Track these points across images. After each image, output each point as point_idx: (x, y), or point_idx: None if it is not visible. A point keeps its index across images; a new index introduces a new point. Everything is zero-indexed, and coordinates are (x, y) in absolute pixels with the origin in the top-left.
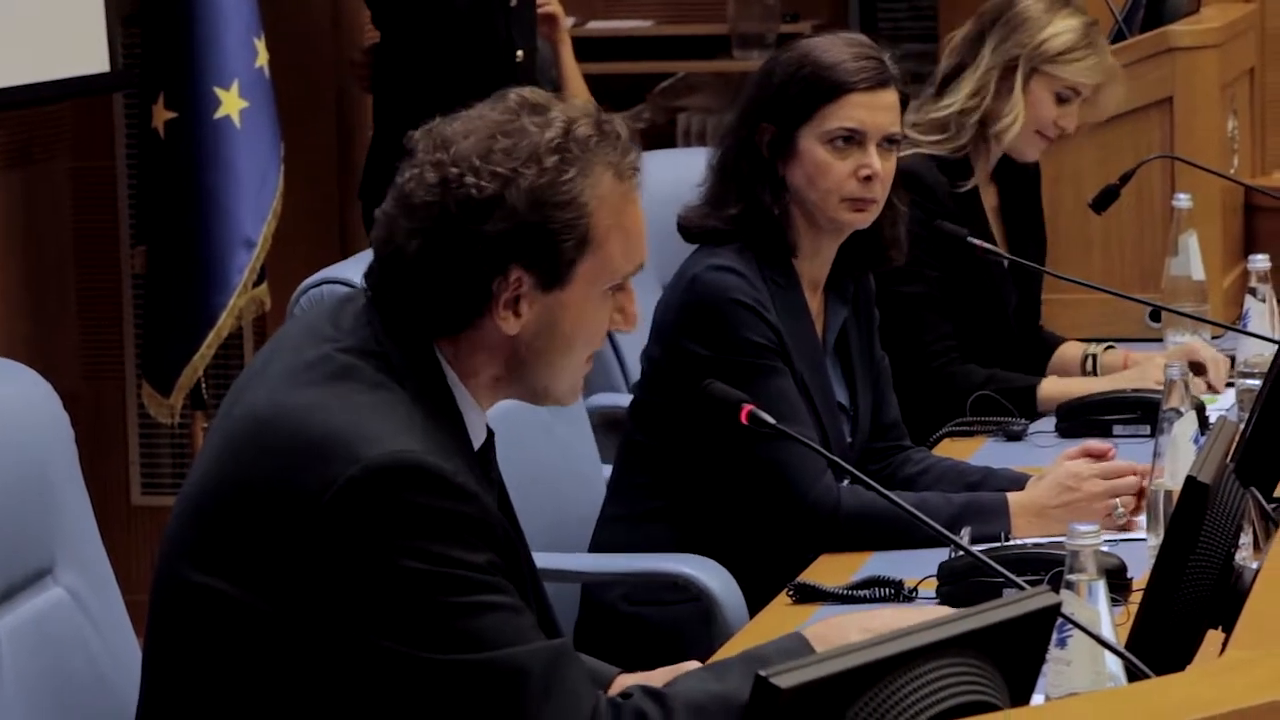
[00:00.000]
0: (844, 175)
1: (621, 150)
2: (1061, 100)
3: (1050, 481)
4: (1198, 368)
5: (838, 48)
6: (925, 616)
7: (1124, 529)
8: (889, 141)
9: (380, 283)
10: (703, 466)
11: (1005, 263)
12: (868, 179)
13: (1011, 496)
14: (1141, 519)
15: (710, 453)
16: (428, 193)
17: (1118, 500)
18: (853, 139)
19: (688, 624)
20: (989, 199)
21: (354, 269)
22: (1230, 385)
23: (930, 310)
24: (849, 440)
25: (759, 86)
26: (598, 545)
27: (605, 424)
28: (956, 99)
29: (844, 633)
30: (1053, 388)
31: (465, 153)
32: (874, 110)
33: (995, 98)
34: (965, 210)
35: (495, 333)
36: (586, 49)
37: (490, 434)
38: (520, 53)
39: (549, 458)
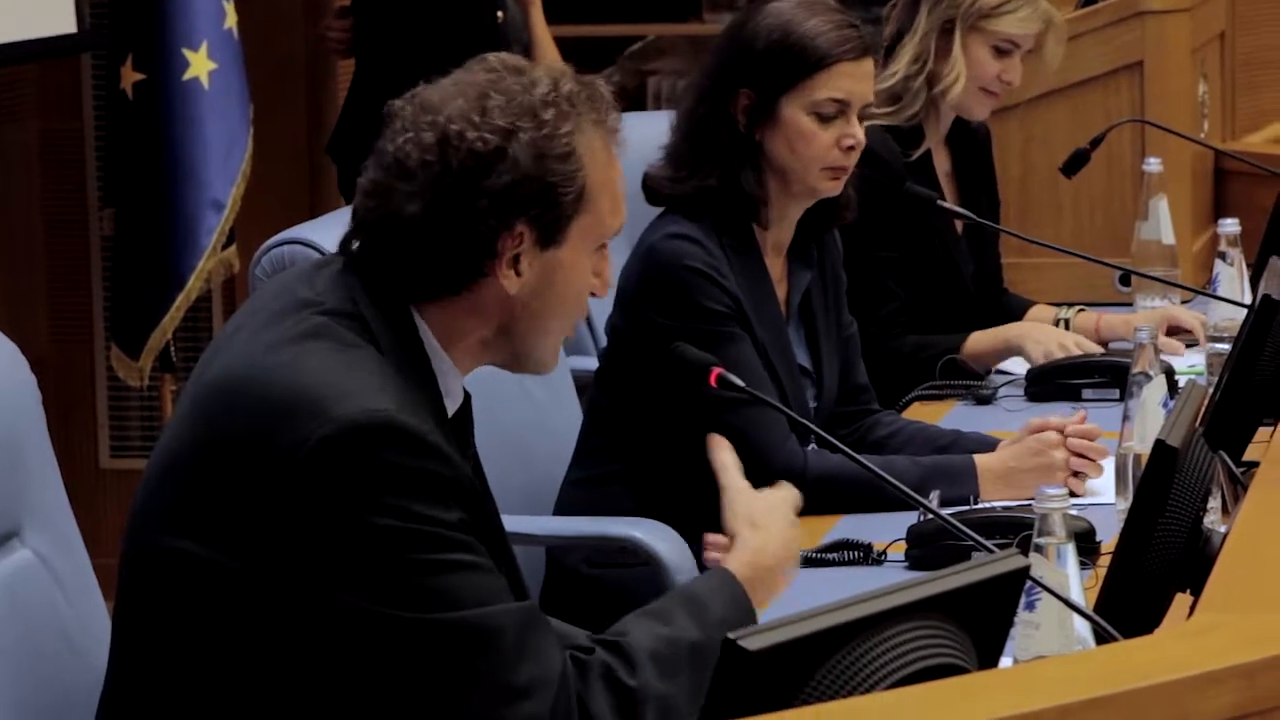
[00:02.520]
0: (828, 144)
1: (606, 108)
2: (1001, 54)
3: (1020, 446)
4: (1175, 330)
5: (817, 16)
6: None
7: (1073, 492)
8: (864, 108)
9: (367, 249)
10: (664, 431)
11: (960, 229)
12: (850, 149)
13: (979, 459)
14: (1091, 483)
15: (672, 418)
16: (426, 152)
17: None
18: (838, 109)
19: (643, 588)
20: (942, 163)
21: (317, 230)
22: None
23: (870, 291)
24: (813, 405)
25: (736, 51)
26: (561, 508)
27: (576, 387)
28: (899, 67)
29: (769, 571)
30: (974, 343)
31: (461, 110)
32: (859, 80)
33: (936, 61)
34: (918, 178)
35: (493, 294)
36: (556, 11)
37: (467, 398)
38: (500, 13)
39: (525, 419)
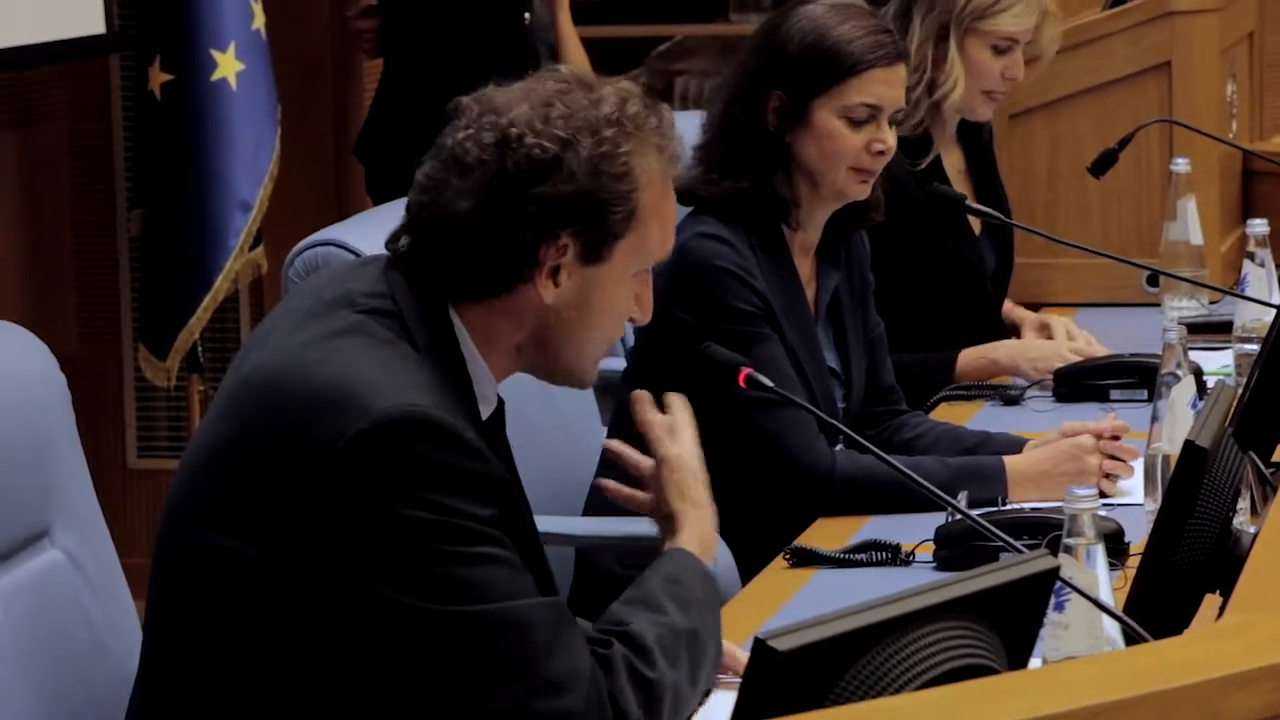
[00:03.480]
0: (857, 148)
1: (668, 133)
2: (1001, 52)
3: (1054, 449)
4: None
5: (850, 21)
6: None
7: (1104, 493)
8: (895, 114)
9: (414, 245)
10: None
11: (979, 227)
12: (879, 153)
13: (1008, 460)
14: (1122, 483)
15: (700, 418)
16: (484, 152)
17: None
18: (869, 113)
19: None
20: (954, 163)
21: (350, 231)
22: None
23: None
24: (841, 406)
25: (769, 53)
26: (590, 509)
27: (601, 387)
28: None
29: (712, 544)
30: (963, 364)
31: (524, 116)
32: (891, 86)
33: (934, 68)
34: (928, 184)
35: (530, 301)
36: (583, 12)
37: (500, 404)
38: (528, 15)
39: (549, 421)
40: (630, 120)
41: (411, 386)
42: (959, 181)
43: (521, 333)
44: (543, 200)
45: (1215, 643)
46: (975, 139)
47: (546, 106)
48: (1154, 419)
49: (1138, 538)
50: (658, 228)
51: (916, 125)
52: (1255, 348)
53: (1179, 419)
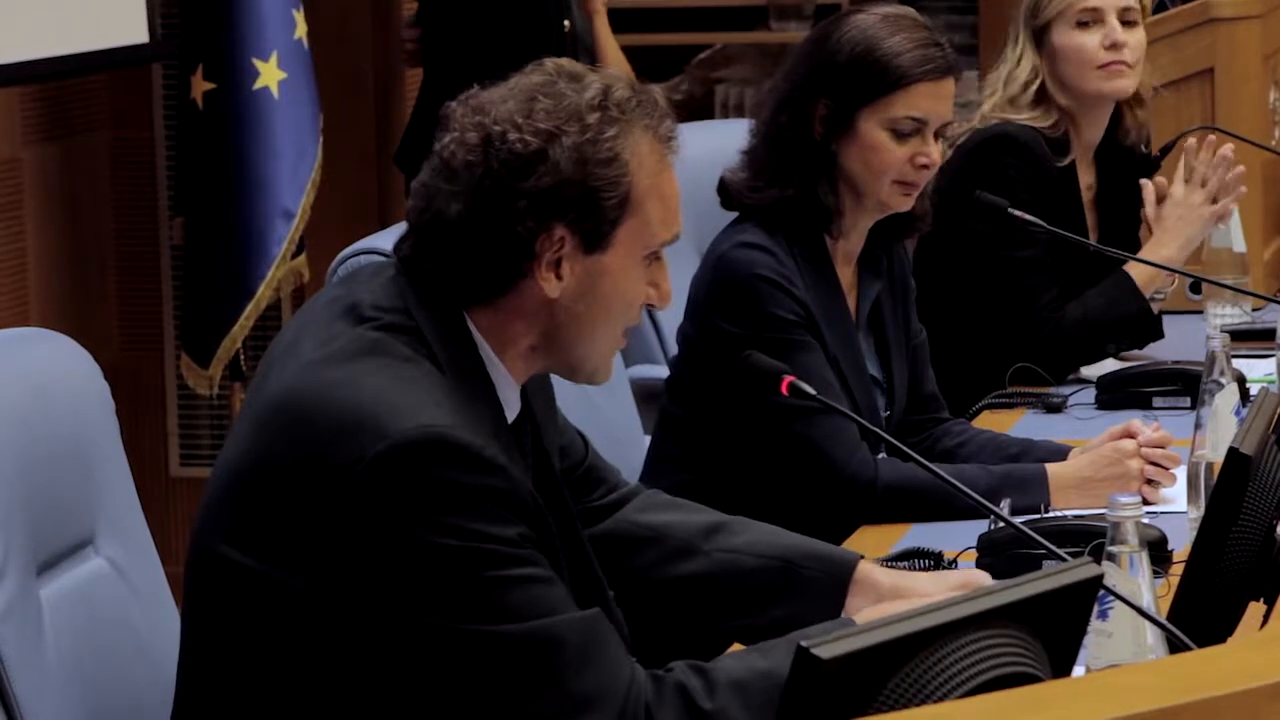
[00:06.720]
0: (901, 160)
1: (659, 115)
2: (1084, 26)
3: (1096, 455)
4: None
5: (902, 33)
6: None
7: (1147, 500)
8: (942, 128)
9: (416, 252)
10: (735, 441)
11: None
12: (923, 167)
13: (1050, 467)
14: (1165, 491)
15: (743, 427)
16: (469, 153)
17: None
18: (915, 127)
19: None
20: (1085, 179)
21: (390, 239)
22: None
23: (1040, 274)
24: (884, 414)
25: (818, 61)
26: None
27: (643, 396)
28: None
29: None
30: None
31: (506, 113)
32: (938, 100)
33: (1063, 60)
34: (1063, 187)
35: (535, 297)
36: (623, 20)
37: (526, 406)
38: (567, 23)
39: (592, 430)
40: (616, 105)
41: (431, 405)
42: (1086, 202)
43: (533, 333)
44: (530, 194)
45: (1259, 651)
46: (1120, 165)
47: (530, 101)
48: (1197, 426)
49: (1181, 545)
50: (658, 208)
51: (1055, 124)
52: None
53: (1222, 426)
